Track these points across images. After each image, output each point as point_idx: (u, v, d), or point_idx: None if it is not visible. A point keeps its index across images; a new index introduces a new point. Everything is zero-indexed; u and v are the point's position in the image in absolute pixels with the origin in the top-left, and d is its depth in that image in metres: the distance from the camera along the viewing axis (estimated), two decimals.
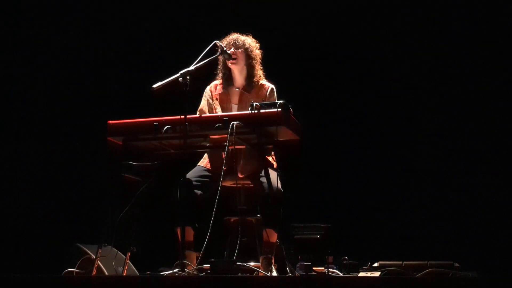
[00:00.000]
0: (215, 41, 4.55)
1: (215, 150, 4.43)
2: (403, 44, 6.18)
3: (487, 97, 5.89)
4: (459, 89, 5.99)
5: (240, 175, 4.38)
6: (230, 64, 4.66)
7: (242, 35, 4.70)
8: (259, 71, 4.71)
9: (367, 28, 6.27)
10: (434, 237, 5.75)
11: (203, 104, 4.74)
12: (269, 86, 4.70)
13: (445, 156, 5.96)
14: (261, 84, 4.70)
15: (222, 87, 4.75)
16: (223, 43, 4.61)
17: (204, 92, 4.79)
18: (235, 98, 4.71)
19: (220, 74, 4.76)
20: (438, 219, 5.83)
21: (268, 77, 4.76)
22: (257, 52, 4.70)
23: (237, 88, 4.71)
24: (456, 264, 4.60)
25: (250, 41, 4.69)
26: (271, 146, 4.32)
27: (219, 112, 4.63)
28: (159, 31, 6.55)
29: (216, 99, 4.73)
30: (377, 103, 6.20)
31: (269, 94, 4.66)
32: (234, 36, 4.68)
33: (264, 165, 4.37)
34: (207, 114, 4.61)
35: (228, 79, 4.73)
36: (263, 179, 4.28)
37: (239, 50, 4.63)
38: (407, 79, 6.15)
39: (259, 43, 4.74)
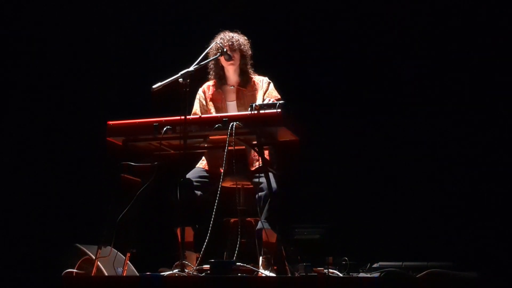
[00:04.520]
0: (215, 42, 4.58)
1: (214, 151, 4.43)
2: (404, 43, 6.17)
3: (488, 95, 5.88)
4: (459, 89, 5.99)
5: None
6: (228, 65, 4.66)
7: (231, 32, 4.70)
8: (249, 66, 4.72)
9: (369, 25, 6.26)
10: (434, 237, 5.74)
11: (196, 107, 4.74)
12: (264, 79, 4.72)
13: (445, 156, 5.96)
14: (254, 78, 4.72)
15: (216, 86, 4.75)
16: (217, 41, 4.62)
17: (197, 95, 4.78)
18: (230, 96, 4.71)
19: (213, 74, 4.76)
20: (438, 219, 5.83)
21: (269, 77, 4.76)
22: (248, 47, 4.72)
23: (231, 86, 4.72)
24: (456, 264, 4.60)
25: (242, 40, 4.70)
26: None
27: (213, 113, 4.63)
28: (159, 31, 6.54)
29: (210, 99, 4.73)
30: (377, 103, 6.19)
31: (266, 87, 4.67)
32: (227, 35, 4.67)
33: (263, 165, 4.37)
34: (205, 115, 4.60)
35: (221, 78, 4.74)
36: (263, 180, 4.28)
37: (235, 52, 4.64)
38: (408, 78, 6.14)
39: (249, 39, 4.75)
